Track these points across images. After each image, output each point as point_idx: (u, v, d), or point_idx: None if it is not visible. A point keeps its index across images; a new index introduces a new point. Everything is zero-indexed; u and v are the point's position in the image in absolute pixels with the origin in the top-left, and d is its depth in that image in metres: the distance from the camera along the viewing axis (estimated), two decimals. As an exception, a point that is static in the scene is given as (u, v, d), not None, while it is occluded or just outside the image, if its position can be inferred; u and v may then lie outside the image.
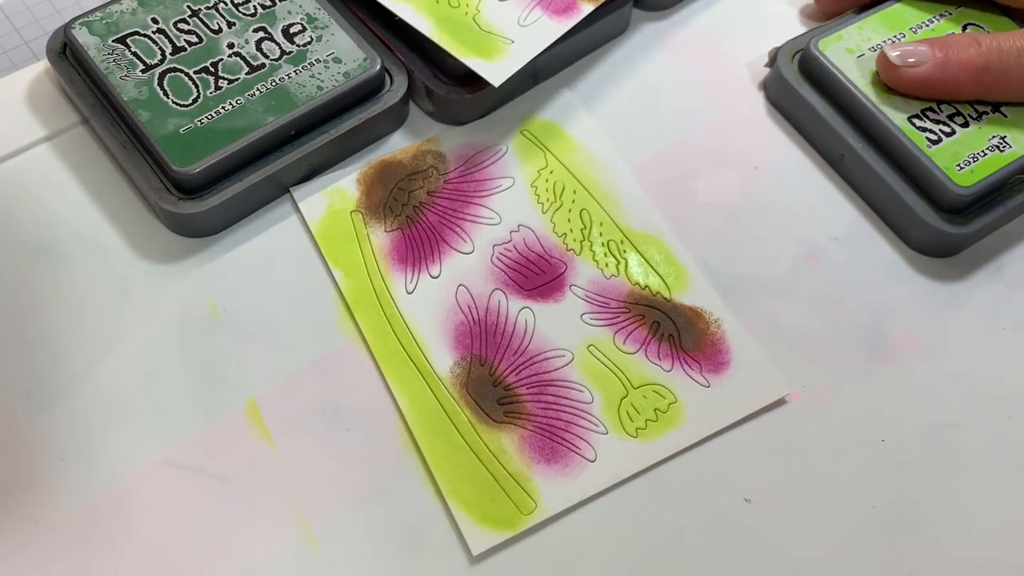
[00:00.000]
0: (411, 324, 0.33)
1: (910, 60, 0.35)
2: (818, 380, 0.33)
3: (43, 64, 0.37)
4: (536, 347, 0.33)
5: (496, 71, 0.35)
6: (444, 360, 0.32)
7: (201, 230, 0.34)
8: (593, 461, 0.31)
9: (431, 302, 0.33)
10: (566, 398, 0.32)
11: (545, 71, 0.39)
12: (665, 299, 0.34)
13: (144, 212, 0.35)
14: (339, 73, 0.35)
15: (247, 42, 0.35)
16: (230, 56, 0.35)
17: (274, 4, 0.36)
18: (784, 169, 0.37)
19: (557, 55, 0.38)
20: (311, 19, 0.36)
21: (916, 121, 0.35)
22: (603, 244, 0.35)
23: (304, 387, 0.32)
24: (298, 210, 0.35)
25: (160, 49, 0.35)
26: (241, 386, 0.32)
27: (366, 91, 0.35)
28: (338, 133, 0.35)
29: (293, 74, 0.35)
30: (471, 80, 0.36)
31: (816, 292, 0.34)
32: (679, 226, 0.36)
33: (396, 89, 0.36)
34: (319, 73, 0.35)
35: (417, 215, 0.35)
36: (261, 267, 0.34)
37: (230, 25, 0.36)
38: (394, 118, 0.37)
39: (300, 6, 0.36)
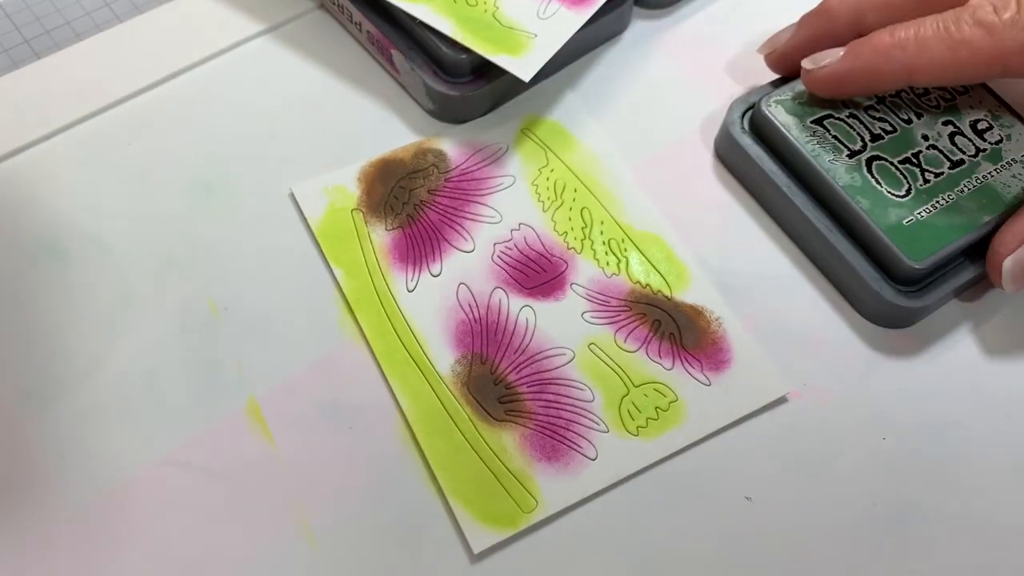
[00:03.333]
0: (412, 322, 0.33)
1: (823, 62, 0.34)
2: (819, 378, 0.33)
3: (42, 63, 0.37)
4: (537, 345, 0.33)
5: (525, 66, 0.35)
6: (445, 358, 0.32)
7: (910, 320, 0.34)
8: (594, 459, 0.31)
9: (432, 300, 0.33)
10: (567, 396, 0.32)
11: (545, 70, 0.39)
12: (666, 297, 0.34)
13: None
14: None
15: (940, 135, 0.34)
16: (928, 148, 0.34)
17: (954, 98, 0.35)
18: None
19: (557, 54, 0.38)
20: (995, 116, 0.35)
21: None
22: (604, 243, 0.35)
23: (305, 386, 0.32)
24: (299, 208, 0.35)
25: (859, 135, 0.34)
26: (241, 385, 0.32)
27: None
28: None
29: (995, 172, 0.34)
30: (472, 79, 0.36)
31: (816, 290, 0.34)
32: (680, 225, 0.35)
33: None
34: (1021, 173, 0.34)
35: (418, 213, 0.35)
36: (261, 266, 0.34)
37: (918, 116, 0.35)
38: None
39: (980, 102, 0.35)
